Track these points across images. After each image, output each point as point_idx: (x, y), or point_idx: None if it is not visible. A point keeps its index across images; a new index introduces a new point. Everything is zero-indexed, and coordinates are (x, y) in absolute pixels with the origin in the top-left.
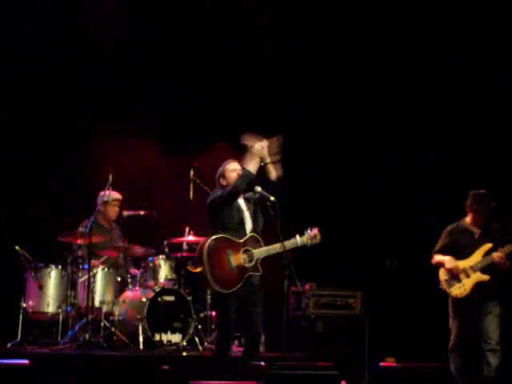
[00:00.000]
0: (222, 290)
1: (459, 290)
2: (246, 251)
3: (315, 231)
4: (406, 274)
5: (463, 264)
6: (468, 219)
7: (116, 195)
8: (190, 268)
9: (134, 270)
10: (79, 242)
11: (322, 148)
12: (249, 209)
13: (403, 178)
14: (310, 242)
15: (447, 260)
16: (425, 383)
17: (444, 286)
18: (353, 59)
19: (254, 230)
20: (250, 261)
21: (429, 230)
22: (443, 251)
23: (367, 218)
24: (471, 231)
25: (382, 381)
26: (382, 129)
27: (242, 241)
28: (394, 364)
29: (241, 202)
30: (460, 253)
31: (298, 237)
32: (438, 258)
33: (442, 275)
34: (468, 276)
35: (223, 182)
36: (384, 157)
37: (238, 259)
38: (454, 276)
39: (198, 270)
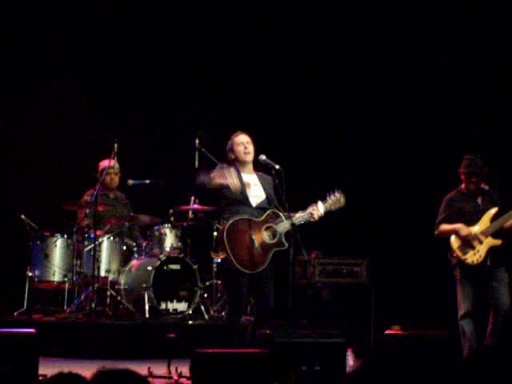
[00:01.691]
0: (250, 272)
1: (474, 256)
2: (267, 228)
3: (338, 194)
4: (411, 242)
5: (474, 230)
6: (463, 185)
7: (109, 163)
8: (213, 255)
9: (141, 240)
10: (85, 210)
11: (328, 119)
12: (261, 183)
13: (409, 147)
14: (334, 207)
15: (460, 227)
16: (430, 351)
17: (459, 253)
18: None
19: (264, 204)
20: (274, 237)
21: (435, 199)
22: (449, 220)
23: (374, 186)
24: (473, 197)
25: (387, 349)
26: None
27: (261, 219)
28: (400, 332)
29: (248, 178)
30: (465, 220)
31: (320, 203)
32: (446, 227)
33: (455, 243)
34: (481, 242)
35: (232, 156)
36: (389, 125)
37: (260, 238)
38: (467, 243)
39: (222, 256)
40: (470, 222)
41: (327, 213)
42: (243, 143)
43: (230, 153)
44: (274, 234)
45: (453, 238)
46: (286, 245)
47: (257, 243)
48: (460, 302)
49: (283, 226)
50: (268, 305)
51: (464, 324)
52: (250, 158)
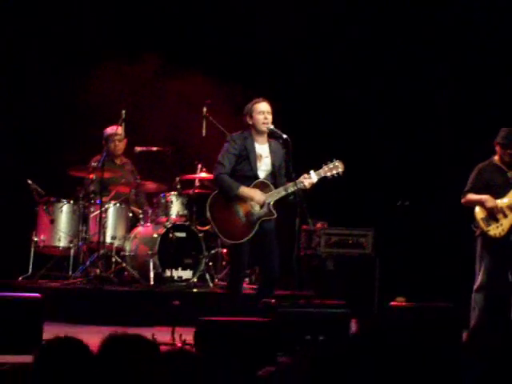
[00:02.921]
0: (234, 242)
1: (497, 229)
2: None
3: (336, 162)
4: (417, 213)
5: (501, 203)
6: (497, 157)
7: (112, 130)
8: (199, 227)
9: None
10: (91, 176)
11: (335, 86)
12: (271, 154)
13: (417, 117)
14: (329, 173)
15: (486, 198)
16: (434, 323)
17: (481, 225)
18: None
19: (270, 176)
20: (261, 206)
21: (442, 169)
22: (476, 190)
23: (380, 156)
24: (504, 170)
25: (391, 320)
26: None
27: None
28: (404, 304)
29: (261, 148)
30: (493, 192)
31: (312, 172)
32: (472, 196)
33: (479, 214)
34: (505, 216)
35: (249, 121)
36: (398, 95)
37: (245, 207)
38: (492, 215)
39: (207, 228)
40: (498, 194)
41: (322, 179)
42: (264, 112)
43: (248, 118)
44: (259, 204)
45: (477, 208)
46: (275, 214)
47: (242, 213)
48: (477, 275)
49: (271, 195)
50: (274, 274)
51: (477, 297)
52: (267, 128)
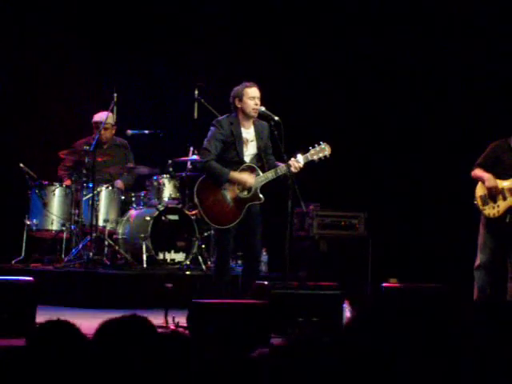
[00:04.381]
0: (222, 227)
1: (492, 210)
2: None
3: (322, 144)
4: (410, 195)
5: (502, 184)
6: None
7: (99, 118)
8: (187, 212)
9: (118, 182)
10: (83, 159)
11: (329, 71)
12: (257, 137)
13: (409, 104)
14: (316, 156)
15: (487, 177)
16: (427, 304)
17: (478, 202)
18: None
19: (254, 160)
20: (249, 191)
21: (434, 152)
22: (485, 166)
23: (373, 138)
24: None
25: (384, 301)
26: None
27: None
28: (397, 285)
29: (247, 133)
30: (501, 172)
31: (299, 155)
32: (478, 172)
33: (479, 191)
34: (504, 198)
35: (238, 105)
36: (394, 81)
37: (233, 192)
38: (491, 195)
39: (195, 212)
40: (504, 175)
41: (310, 163)
42: (255, 98)
43: (237, 101)
44: (248, 188)
45: (479, 185)
46: (262, 198)
47: (229, 198)
48: (478, 252)
49: (258, 179)
50: (256, 254)
51: (477, 275)
52: (256, 114)
